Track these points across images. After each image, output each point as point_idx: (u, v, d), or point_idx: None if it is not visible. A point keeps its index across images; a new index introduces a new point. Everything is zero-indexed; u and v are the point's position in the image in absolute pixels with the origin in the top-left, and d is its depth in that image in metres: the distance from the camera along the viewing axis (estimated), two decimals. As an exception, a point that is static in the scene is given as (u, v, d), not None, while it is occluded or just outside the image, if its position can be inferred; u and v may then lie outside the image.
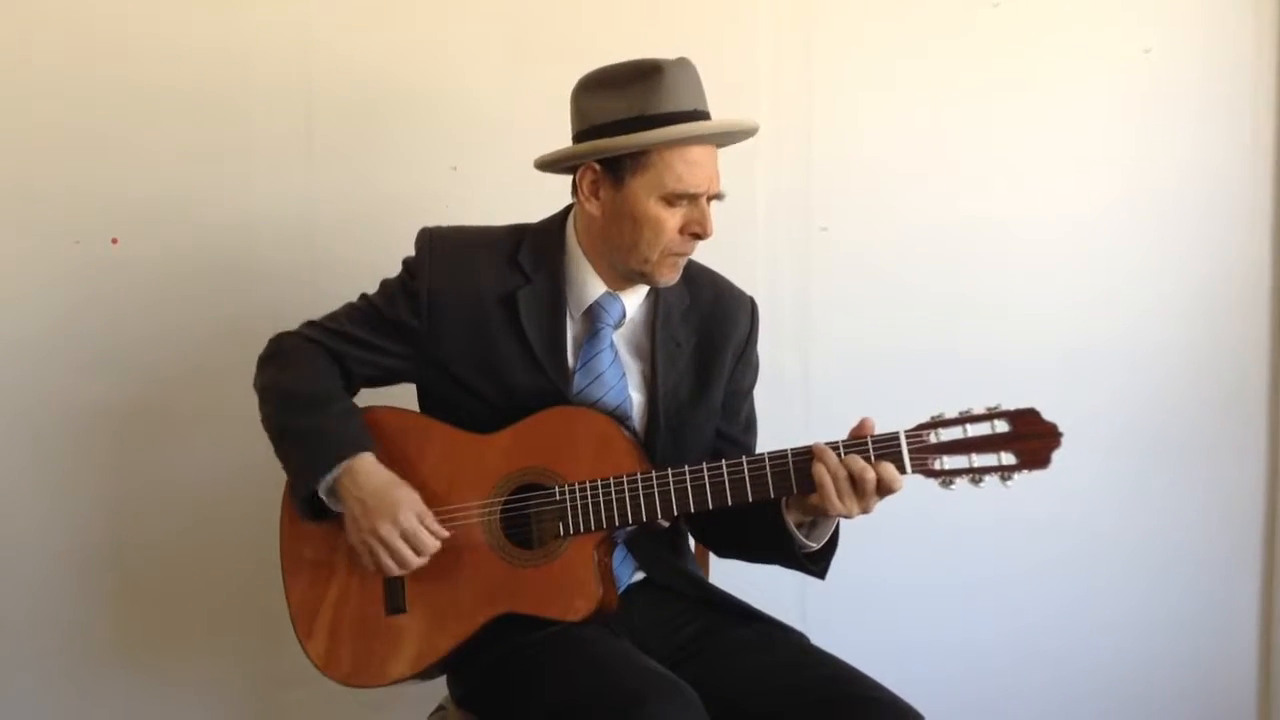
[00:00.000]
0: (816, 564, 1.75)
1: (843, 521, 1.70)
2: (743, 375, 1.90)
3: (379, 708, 2.01)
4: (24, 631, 2.32)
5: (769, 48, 2.38)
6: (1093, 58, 2.44)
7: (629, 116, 1.67)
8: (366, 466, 1.72)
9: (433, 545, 1.70)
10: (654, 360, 1.81)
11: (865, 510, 1.61)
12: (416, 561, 1.70)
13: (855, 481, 1.59)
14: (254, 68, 2.26)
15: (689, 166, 1.68)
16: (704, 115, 1.71)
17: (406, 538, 1.69)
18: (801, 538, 1.70)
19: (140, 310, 2.27)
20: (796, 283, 2.41)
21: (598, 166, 1.71)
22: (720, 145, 1.76)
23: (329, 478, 1.71)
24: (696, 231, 1.70)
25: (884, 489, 1.59)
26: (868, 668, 1.67)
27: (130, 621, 2.36)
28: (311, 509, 1.75)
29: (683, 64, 1.71)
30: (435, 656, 1.74)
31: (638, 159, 1.68)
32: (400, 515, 1.69)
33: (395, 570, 1.71)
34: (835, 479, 1.59)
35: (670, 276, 1.75)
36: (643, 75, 1.68)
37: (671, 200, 1.69)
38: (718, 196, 1.73)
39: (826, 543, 1.74)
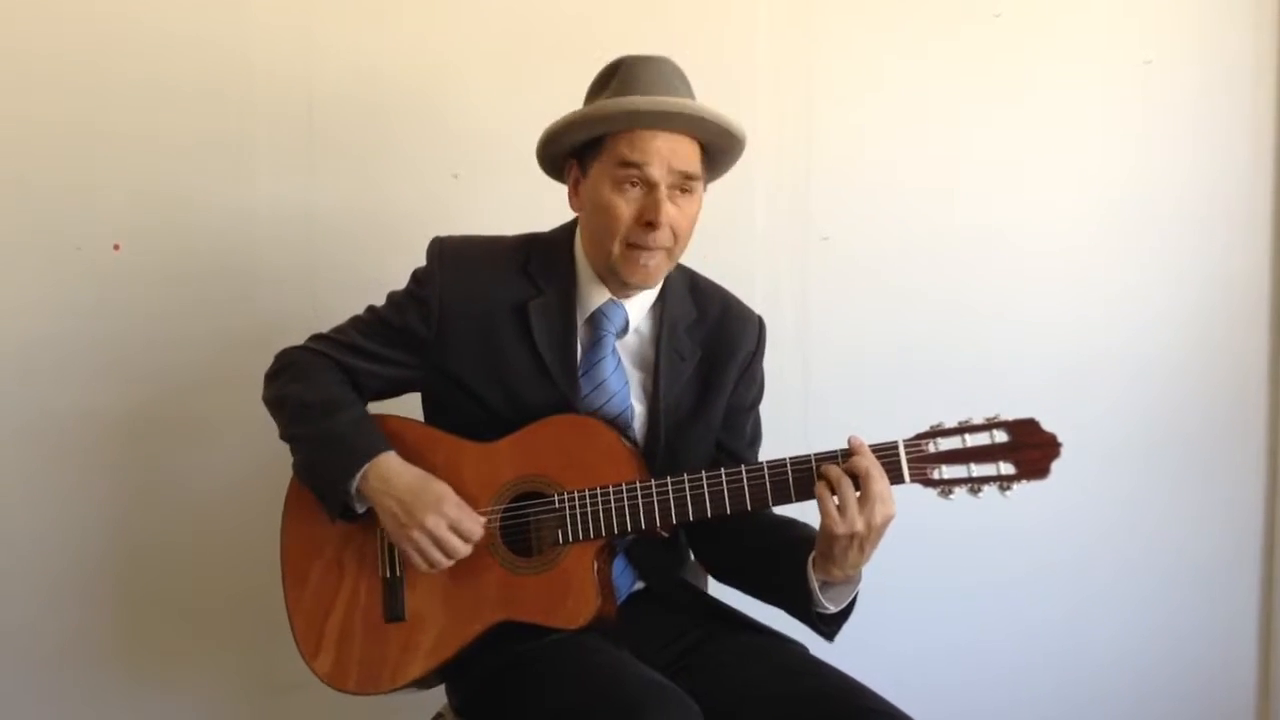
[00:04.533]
0: (828, 625, 1.71)
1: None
2: (745, 391, 1.89)
3: (378, 715, 2.01)
4: (28, 636, 2.32)
5: (768, 55, 2.38)
6: (1093, 68, 2.45)
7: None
8: (393, 465, 1.72)
9: (478, 532, 1.71)
10: (657, 372, 1.81)
11: (869, 525, 1.56)
12: (464, 550, 1.70)
13: (864, 482, 1.55)
14: (256, 74, 2.26)
15: (634, 147, 1.67)
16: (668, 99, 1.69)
17: (454, 528, 1.69)
18: (820, 598, 1.66)
19: (142, 316, 2.27)
20: (796, 291, 2.42)
21: (576, 163, 1.74)
22: (720, 154, 1.76)
23: (354, 482, 1.71)
24: (650, 220, 1.68)
25: (882, 507, 1.57)
26: (867, 678, 1.67)
27: (133, 626, 2.36)
28: (343, 511, 1.75)
29: (652, 59, 1.73)
30: (434, 664, 1.74)
31: (598, 146, 1.70)
32: (444, 507, 1.69)
33: (445, 563, 1.70)
34: (839, 488, 1.57)
35: (637, 275, 1.73)
36: (615, 67, 1.72)
37: (620, 182, 1.68)
38: (683, 188, 1.70)
39: (844, 608, 1.69)
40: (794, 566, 1.66)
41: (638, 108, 1.66)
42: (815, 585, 1.65)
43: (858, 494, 1.57)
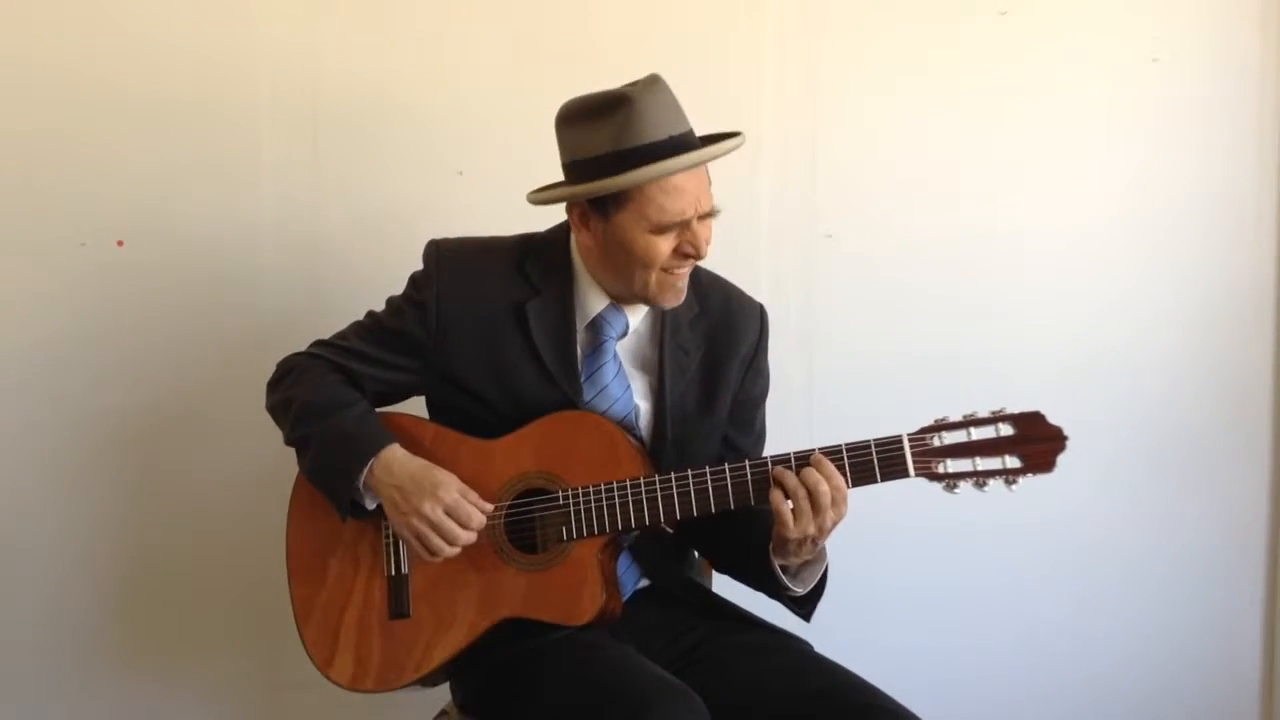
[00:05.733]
0: (802, 607, 1.75)
1: (847, 525, 1.67)
2: (752, 384, 1.89)
3: (383, 712, 2.01)
4: (33, 635, 2.32)
5: (773, 54, 2.37)
6: (1099, 67, 2.44)
7: (605, 153, 1.65)
8: (397, 456, 1.72)
9: (479, 519, 1.70)
10: (662, 371, 1.80)
11: (820, 529, 1.60)
12: (466, 537, 1.69)
13: (812, 496, 1.59)
14: (259, 73, 2.26)
15: (669, 196, 1.65)
16: (681, 138, 1.67)
17: (451, 513, 1.69)
18: (787, 581, 1.69)
19: (146, 316, 2.28)
20: (801, 289, 2.41)
21: (587, 206, 1.71)
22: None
23: (362, 476, 1.71)
24: (689, 252, 1.69)
25: (834, 514, 1.60)
26: (871, 675, 1.67)
27: (137, 625, 2.36)
28: (353, 508, 1.75)
29: (654, 88, 1.67)
30: (439, 661, 1.75)
31: (619, 196, 1.66)
32: (441, 492, 1.69)
33: (446, 550, 1.69)
34: (794, 496, 1.60)
35: (672, 299, 1.74)
36: (613, 107, 1.65)
37: (659, 229, 1.67)
38: (711, 214, 1.71)
39: (813, 588, 1.73)
40: (760, 552, 1.69)
41: (678, 168, 1.64)
42: (779, 569, 1.68)
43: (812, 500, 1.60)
